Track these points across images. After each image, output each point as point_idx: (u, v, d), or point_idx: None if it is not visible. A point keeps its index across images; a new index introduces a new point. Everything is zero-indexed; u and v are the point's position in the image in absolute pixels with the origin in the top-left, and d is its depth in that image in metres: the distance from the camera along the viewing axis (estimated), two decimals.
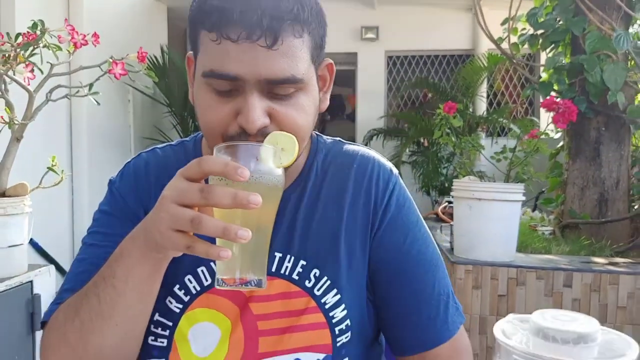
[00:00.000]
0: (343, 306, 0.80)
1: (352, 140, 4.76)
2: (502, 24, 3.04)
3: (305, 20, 0.70)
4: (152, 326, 0.78)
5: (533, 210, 3.63)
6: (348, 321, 0.80)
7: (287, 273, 0.79)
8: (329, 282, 0.80)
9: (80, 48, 2.03)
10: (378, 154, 0.90)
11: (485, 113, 5.24)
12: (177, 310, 0.79)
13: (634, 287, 2.06)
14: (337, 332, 0.80)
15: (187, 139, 0.90)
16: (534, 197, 3.95)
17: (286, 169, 0.65)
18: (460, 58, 5.71)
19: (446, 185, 4.63)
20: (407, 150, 5.03)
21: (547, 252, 2.41)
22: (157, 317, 0.78)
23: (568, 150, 2.87)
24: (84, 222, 3.59)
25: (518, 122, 4.56)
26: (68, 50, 2.02)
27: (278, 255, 0.79)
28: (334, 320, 0.79)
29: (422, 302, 0.82)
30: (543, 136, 2.36)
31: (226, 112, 0.70)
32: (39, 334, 2.06)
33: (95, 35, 2.04)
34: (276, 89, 0.70)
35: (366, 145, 4.41)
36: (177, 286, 0.79)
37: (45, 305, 2.07)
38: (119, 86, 3.79)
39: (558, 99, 2.15)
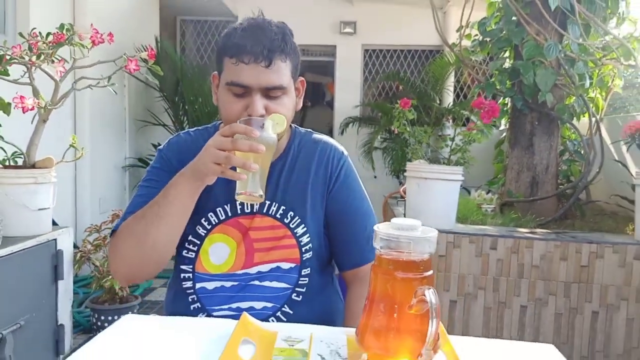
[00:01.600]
0: (308, 235, 1.27)
1: (331, 126, 5.23)
2: (457, 30, 3.52)
3: (287, 52, 1.18)
4: (186, 243, 1.25)
5: (487, 192, 4.15)
6: (310, 244, 1.27)
7: (273, 213, 1.26)
8: (299, 219, 1.27)
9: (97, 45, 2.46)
10: (335, 141, 1.38)
11: (450, 105, 5.74)
12: (203, 234, 1.25)
13: (545, 250, 2.59)
14: (303, 251, 1.27)
15: (209, 125, 1.36)
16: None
17: (278, 136, 1.12)
18: (431, 53, 6.19)
19: None
20: (379, 137, 5.50)
21: (483, 224, 2.93)
22: (190, 237, 1.25)
23: (508, 141, 3.38)
24: (85, 192, 4.02)
25: (476, 113, 5.06)
26: (87, 47, 2.45)
27: (267, 202, 1.26)
28: (301, 244, 1.27)
29: (357, 236, 1.30)
30: (493, 128, 2.84)
31: (240, 106, 1.16)
32: (61, 283, 2.52)
33: (110, 34, 2.47)
34: (270, 92, 1.16)
35: (342, 131, 4.90)
36: (203, 219, 1.25)
37: (67, 259, 2.52)
38: (117, 73, 4.18)
39: (486, 99, 2.64)
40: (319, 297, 1.29)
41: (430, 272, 0.84)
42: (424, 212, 2.65)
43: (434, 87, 5.56)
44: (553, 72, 3.10)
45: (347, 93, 6.18)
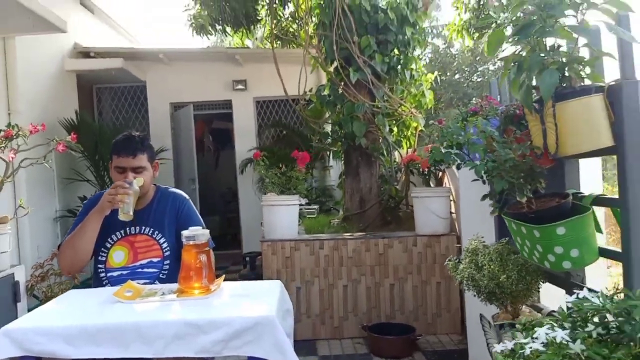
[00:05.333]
0: (166, 243, 2.46)
1: (234, 166, 6.46)
2: (298, 97, 4.87)
3: (144, 149, 2.41)
4: (100, 252, 2.41)
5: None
6: (168, 248, 2.47)
7: (146, 232, 2.45)
8: (160, 235, 2.46)
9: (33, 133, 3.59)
10: (181, 192, 2.60)
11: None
12: (109, 246, 2.43)
13: (355, 246, 3.90)
14: (164, 251, 2.46)
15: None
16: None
17: (140, 189, 2.31)
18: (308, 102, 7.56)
19: None
20: (277, 173, 6.75)
21: (321, 232, 4.22)
22: (102, 249, 2.42)
23: (344, 172, 4.72)
24: (26, 240, 5.00)
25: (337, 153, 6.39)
26: (26, 136, 3.56)
27: (144, 227, 2.45)
28: (163, 247, 2.46)
29: None
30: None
31: (122, 176, 2.37)
32: (19, 305, 3.58)
33: (43, 125, 3.61)
34: (135, 170, 2.37)
35: (242, 170, 6.18)
36: (109, 238, 2.42)
37: (22, 287, 3.57)
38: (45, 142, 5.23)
39: (300, 151, 3.96)
40: (175, 275, 2.49)
41: (207, 248, 2.04)
42: (275, 227, 3.91)
43: (312, 128, 6.89)
44: (364, 123, 4.48)
45: (245, 138, 7.42)
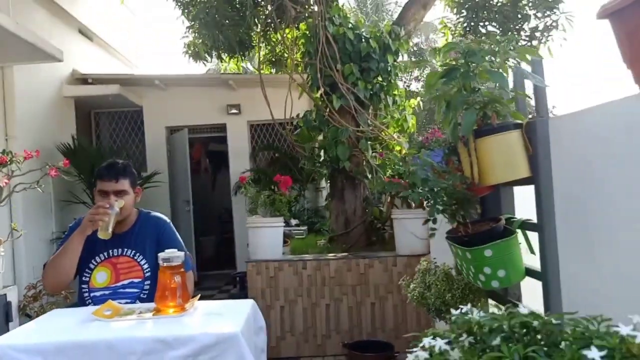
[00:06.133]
0: (147, 264, 2.61)
1: (229, 186, 6.57)
2: (287, 121, 5.05)
3: (126, 175, 2.58)
4: (84, 272, 2.56)
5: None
6: (149, 269, 2.61)
7: (128, 254, 2.60)
8: (142, 257, 2.61)
9: (27, 159, 3.76)
10: (162, 215, 2.76)
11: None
12: (92, 267, 2.57)
13: (337, 266, 4.04)
14: (145, 272, 2.61)
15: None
16: None
17: (120, 210, 2.47)
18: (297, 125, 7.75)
19: None
20: (263, 195, 6.91)
21: (305, 253, 4.36)
22: (86, 270, 2.57)
23: (329, 194, 4.88)
24: (22, 262, 5.15)
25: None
26: (20, 161, 3.74)
27: (126, 249, 2.60)
28: (144, 268, 2.61)
29: None
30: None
31: (104, 200, 2.52)
32: (11, 324, 3.72)
33: (37, 151, 3.79)
34: (117, 194, 2.53)
35: (236, 192, 6.34)
36: (92, 260, 2.57)
37: (14, 307, 3.72)
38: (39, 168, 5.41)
39: (291, 174, 4.13)
40: (154, 294, 2.63)
41: (182, 269, 2.19)
42: (259, 248, 4.06)
43: (302, 150, 7.06)
44: (348, 147, 4.65)
45: (239, 161, 7.60)
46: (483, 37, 6.07)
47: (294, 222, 6.10)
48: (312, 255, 4.25)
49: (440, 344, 0.94)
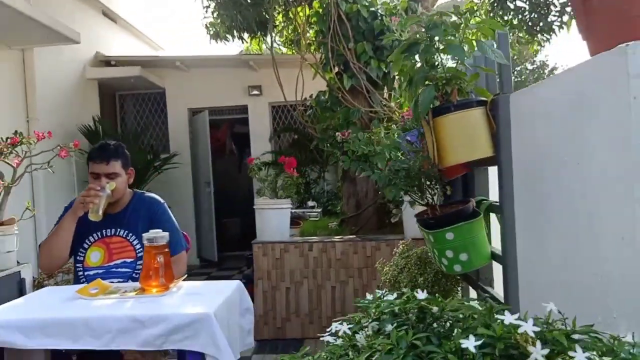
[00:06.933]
0: (139, 244, 2.64)
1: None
2: (296, 105, 5.00)
3: (118, 156, 2.59)
4: (78, 252, 2.61)
5: None
6: (141, 248, 2.64)
7: (121, 234, 2.63)
8: (134, 237, 2.64)
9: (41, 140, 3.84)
10: (156, 196, 2.77)
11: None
12: (86, 247, 2.61)
13: (343, 248, 4.00)
14: (137, 250, 2.63)
15: None
16: None
17: (112, 192, 2.49)
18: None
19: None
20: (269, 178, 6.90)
21: (314, 235, 4.34)
22: (80, 249, 2.61)
23: (341, 177, 4.83)
24: (42, 236, 5.29)
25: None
26: (32, 143, 3.81)
27: (119, 229, 2.63)
28: (136, 249, 2.63)
29: (171, 242, 2.68)
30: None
31: (96, 182, 2.55)
32: None
33: (49, 132, 3.87)
34: (109, 176, 2.56)
35: (256, 173, 6.24)
36: (86, 240, 2.61)
37: (28, 284, 3.83)
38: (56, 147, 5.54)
39: (286, 157, 4.09)
40: None
41: (166, 250, 2.20)
42: (266, 229, 4.06)
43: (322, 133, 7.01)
44: (360, 128, 4.57)
45: (260, 142, 7.61)
46: (511, 14, 5.83)
47: (310, 203, 6.09)
48: (318, 237, 4.23)
49: (344, 328, 0.91)
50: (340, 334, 0.89)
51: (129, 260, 2.63)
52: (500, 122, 1.35)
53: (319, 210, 5.45)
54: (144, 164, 6.42)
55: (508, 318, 0.69)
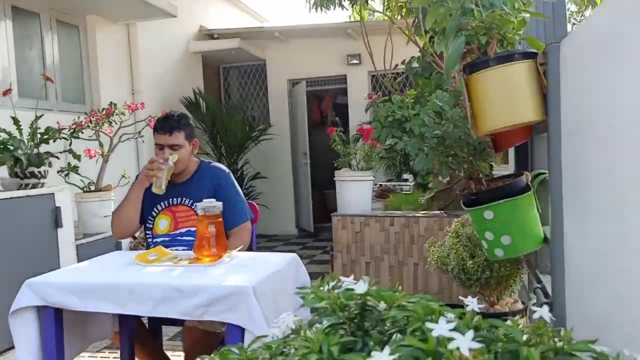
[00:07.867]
0: None
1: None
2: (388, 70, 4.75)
3: (181, 127, 2.60)
4: (148, 220, 2.68)
5: None
6: None
7: (186, 203, 2.66)
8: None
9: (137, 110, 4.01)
10: (222, 165, 2.76)
11: None
12: (154, 215, 2.67)
13: (427, 224, 3.77)
14: None
15: None
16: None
17: (175, 164, 2.51)
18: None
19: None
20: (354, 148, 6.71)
21: (399, 209, 4.14)
22: (149, 218, 2.68)
23: None
24: None
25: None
26: (124, 114, 3.99)
27: (183, 198, 2.66)
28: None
29: (231, 214, 2.66)
30: None
31: (160, 153, 2.58)
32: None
33: (142, 104, 4.03)
34: (172, 147, 2.57)
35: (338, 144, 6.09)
36: (154, 208, 2.67)
37: (125, 247, 4.06)
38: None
39: (366, 126, 3.88)
40: None
41: (220, 219, 2.17)
42: (347, 202, 3.94)
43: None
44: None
45: (358, 112, 7.45)
46: None
47: (405, 176, 5.85)
48: (401, 212, 4.03)
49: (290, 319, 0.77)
50: (282, 327, 0.75)
51: (193, 229, 2.64)
52: (550, 79, 1.09)
53: (412, 183, 5.21)
54: (242, 135, 6.57)
55: (439, 330, 0.51)
